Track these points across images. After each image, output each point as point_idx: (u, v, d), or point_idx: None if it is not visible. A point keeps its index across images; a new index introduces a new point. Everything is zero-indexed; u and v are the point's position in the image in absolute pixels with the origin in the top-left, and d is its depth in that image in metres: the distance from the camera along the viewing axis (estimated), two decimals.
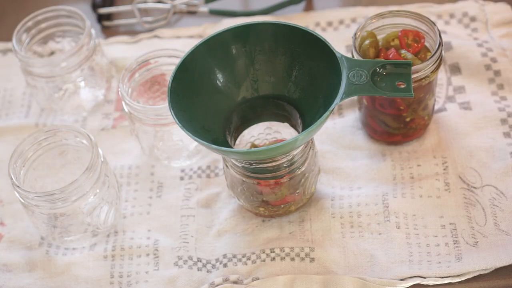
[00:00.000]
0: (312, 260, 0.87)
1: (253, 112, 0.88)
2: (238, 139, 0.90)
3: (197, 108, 0.82)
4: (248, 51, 0.85)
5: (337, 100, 0.76)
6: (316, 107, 0.82)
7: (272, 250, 0.88)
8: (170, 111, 0.78)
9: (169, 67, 0.97)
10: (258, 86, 0.86)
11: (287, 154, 0.82)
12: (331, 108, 0.75)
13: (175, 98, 0.80)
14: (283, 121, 0.88)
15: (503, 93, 0.98)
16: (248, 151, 0.77)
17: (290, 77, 0.85)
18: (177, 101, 0.80)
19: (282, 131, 0.93)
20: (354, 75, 0.77)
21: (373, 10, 1.11)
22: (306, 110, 0.84)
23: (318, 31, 1.10)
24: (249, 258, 0.88)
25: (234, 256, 0.88)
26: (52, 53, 1.07)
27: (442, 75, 1.02)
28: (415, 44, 0.90)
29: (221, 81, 0.85)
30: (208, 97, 0.84)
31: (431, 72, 0.87)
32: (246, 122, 0.88)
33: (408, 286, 0.83)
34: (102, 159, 0.88)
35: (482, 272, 0.84)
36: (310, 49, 0.82)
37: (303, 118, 0.84)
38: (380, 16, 0.92)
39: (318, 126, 0.75)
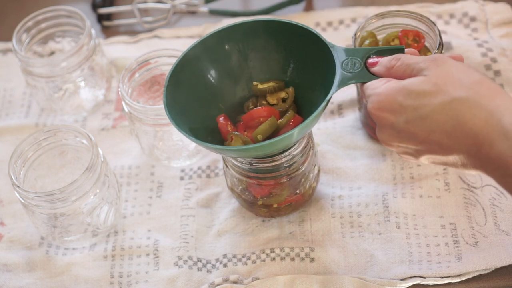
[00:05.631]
0: (312, 260, 0.87)
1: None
2: None
3: (194, 109, 0.82)
4: (242, 50, 0.84)
5: (333, 90, 0.75)
6: (312, 101, 0.81)
7: (272, 250, 0.88)
8: (167, 113, 0.78)
9: (169, 67, 0.97)
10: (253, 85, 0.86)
11: (287, 154, 0.82)
12: (327, 98, 0.74)
13: (171, 102, 0.80)
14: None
15: None
16: (245, 148, 0.76)
17: (285, 73, 0.85)
18: (173, 105, 0.80)
19: None
20: (348, 63, 0.77)
21: (373, 10, 1.11)
22: (303, 105, 0.84)
23: (318, 31, 1.10)
24: (249, 258, 0.88)
25: (234, 256, 0.88)
26: (52, 53, 1.07)
27: None
28: (415, 44, 0.90)
29: (217, 81, 0.85)
30: (204, 98, 0.84)
31: None
32: None
33: (408, 286, 0.83)
34: (102, 159, 0.88)
35: (482, 272, 0.84)
36: (302, 43, 0.82)
37: (300, 115, 0.84)
38: (380, 16, 0.92)
39: (315, 118, 0.74)
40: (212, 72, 0.84)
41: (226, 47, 0.84)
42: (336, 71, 0.76)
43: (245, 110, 0.86)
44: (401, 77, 0.73)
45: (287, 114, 0.83)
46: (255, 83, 0.86)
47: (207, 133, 0.82)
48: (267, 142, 0.73)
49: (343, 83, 0.76)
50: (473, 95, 0.67)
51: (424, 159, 0.73)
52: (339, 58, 0.77)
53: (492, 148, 0.66)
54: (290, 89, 0.84)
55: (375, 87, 0.73)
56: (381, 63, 0.75)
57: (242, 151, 0.77)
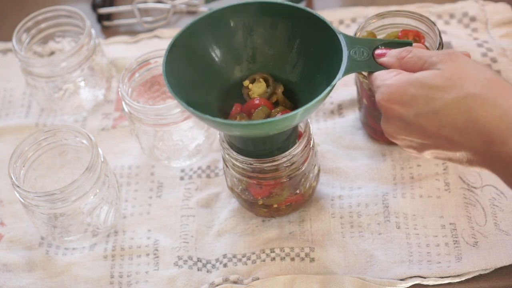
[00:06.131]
0: (312, 260, 0.87)
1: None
2: None
3: (193, 84, 0.81)
4: (246, 29, 0.84)
5: (339, 75, 0.75)
6: (313, 87, 0.81)
7: (272, 250, 0.88)
8: (166, 83, 0.77)
9: None
10: (255, 68, 0.86)
11: (287, 154, 0.82)
12: (333, 83, 0.74)
13: (170, 72, 0.78)
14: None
15: None
16: (248, 124, 0.74)
17: (288, 57, 0.84)
18: (172, 76, 0.78)
19: None
20: (355, 52, 0.77)
21: (373, 10, 1.11)
22: (305, 92, 0.83)
23: None
24: (249, 258, 0.88)
25: (234, 256, 0.88)
26: (52, 53, 1.07)
27: None
28: None
29: (217, 62, 0.84)
30: (204, 74, 0.83)
31: None
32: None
33: (408, 286, 0.83)
34: (102, 159, 0.88)
35: (482, 272, 0.84)
36: (308, 28, 0.81)
37: (299, 101, 0.84)
38: (380, 16, 0.92)
39: (318, 102, 0.74)
40: (214, 49, 0.84)
41: (231, 24, 0.83)
42: (344, 57, 0.76)
43: (244, 96, 0.85)
44: (411, 69, 0.72)
45: (278, 108, 0.83)
46: (245, 83, 0.85)
47: (205, 110, 0.81)
48: (269, 119, 0.73)
49: (350, 69, 0.75)
50: (487, 93, 0.67)
51: (428, 154, 0.73)
52: (346, 46, 0.77)
53: (504, 147, 0.65)
54: (279, 90, 0.84)
55: (385, 78, 0.72)
56: (390, 54, 0.75)
57: (244, 127, 0.75)
